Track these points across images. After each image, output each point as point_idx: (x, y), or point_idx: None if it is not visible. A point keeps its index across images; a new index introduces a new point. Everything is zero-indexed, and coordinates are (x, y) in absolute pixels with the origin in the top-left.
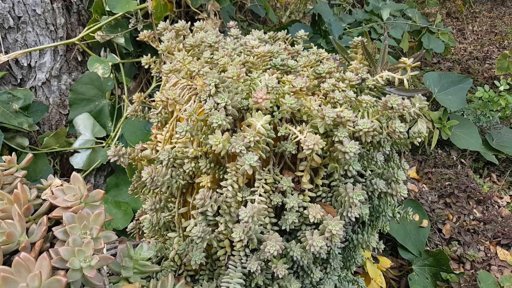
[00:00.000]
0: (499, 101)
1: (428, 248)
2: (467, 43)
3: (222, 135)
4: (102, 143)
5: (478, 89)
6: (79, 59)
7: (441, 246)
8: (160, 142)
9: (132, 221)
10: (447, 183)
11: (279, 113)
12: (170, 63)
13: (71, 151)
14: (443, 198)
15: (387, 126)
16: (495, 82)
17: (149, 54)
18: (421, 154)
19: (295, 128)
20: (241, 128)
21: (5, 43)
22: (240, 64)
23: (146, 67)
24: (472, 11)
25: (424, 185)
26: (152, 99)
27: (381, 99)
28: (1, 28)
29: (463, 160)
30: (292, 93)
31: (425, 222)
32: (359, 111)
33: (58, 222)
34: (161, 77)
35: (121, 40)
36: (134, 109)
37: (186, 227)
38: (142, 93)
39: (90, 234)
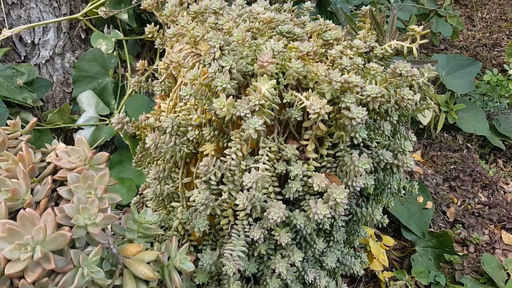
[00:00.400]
0: (507, 86)
1: (432, 230)
2: (476, 30)
3: (227, 99)
4: (105, 120)
5: (487, 72)
6: (83, 36)
7: (445, 229)
8: (164, 111)
9: (136, 196)
10: (452, 167)
11: (284, 79)
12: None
13: (75, 128)
14: (448, 182)
15: (395, 94)
16: (505, 65)
17: (152, 23)
18: (426, 138)
19: (301, 94)
20: (245, 95)
21: (9, 19)
22: (246, 30)
23: (149, 36)
24: None
25: (429, 169)
26: (155, 66)
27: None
28: (5, 4)
29: (469, 145)
30: (298, 58)
31: (430, 204)
32: (367, 79)
33: (62, 184)
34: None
35: (125, 16)
36: (138, 80)
37: (190, 197)
38: (145, 61)
39: (95, 194)
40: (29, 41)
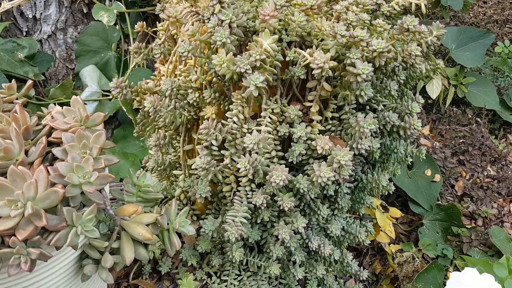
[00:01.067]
0: None
1: (440, 203)
2: (487, 7)
3: (226, 55)
4: (108, 95)
5: (498, 44)
6: (85, 11)
7: (453, 202)
8: (164, 75)
9: (139, 170)
10: (461, 141)
11: (287, 36)
12: None
13: None
14: (457, 155)
15: (402, 51)
16: None
17: None
18: (435, 113)
19: (305, 51)
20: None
21: None
22: None
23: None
24: None
25: (438, 142)
26: (154, 29)
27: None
28: None
29: (478, 119)
30: (302, 12)
31: (438, 177)
32: (373, 35)
33: (58, 145)
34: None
35: None
36: (137, 46)
37: (191, 165)
38: (143, 22)
39: (90, 154)
40: (30, 16)
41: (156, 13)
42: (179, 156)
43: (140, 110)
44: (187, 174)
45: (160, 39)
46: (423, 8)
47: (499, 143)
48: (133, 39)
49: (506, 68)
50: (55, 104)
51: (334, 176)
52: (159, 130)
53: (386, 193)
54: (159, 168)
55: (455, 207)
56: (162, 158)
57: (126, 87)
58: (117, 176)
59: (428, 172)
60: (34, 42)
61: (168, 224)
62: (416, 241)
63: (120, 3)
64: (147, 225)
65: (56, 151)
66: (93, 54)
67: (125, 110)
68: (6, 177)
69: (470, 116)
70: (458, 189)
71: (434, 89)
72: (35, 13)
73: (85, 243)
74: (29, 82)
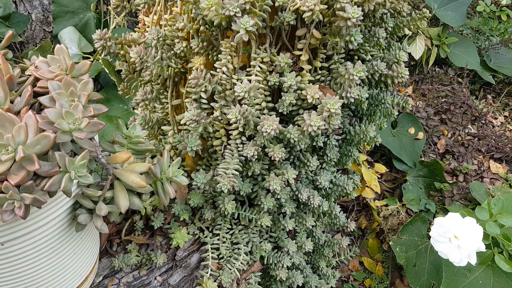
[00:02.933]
0: (501, 17)
1: (424, 160)
2: None
3: None
4: (89, 58)
5: (480, 3)
6: None
7: (436, 159)
8: (148, 27)
9: None
10: (443, 100)
11: None
12: None
13: None
14: (439, 114)
15: None
16: None
17: None
18: (418, 73)
19: None
20: None
21: None
22: None
23: None
24: None
25: (420, 102)
26: None
27: None
28: None
29: (459, 79)
30: None
31: (421, 135)
32: None
33: (44, 95)
34: None
35: None
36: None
37: (180, 120)
38: None
39: (79, 101)
40: None
41: None
42: (167, 112)
43: (125, 65)
44: (175, 130)
45: None
46: None
47: (480, 103)
48: None
49: (487, 28)
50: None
51: (324, 126)
52: (146, 85)
53: (373, 145)
54: (146, 126)
55: (437, 163)
56: (149, 115)
57: (109, 39)
58: (103, 139)
59: (412, 130)
60: (9, 2)
61: (161, 174)
62: (400, 197)
63: None
64: (140, 174)
65: (43, 99)
66: (71, 15)
67: (107, 71)
68: None
69: (452, 76)
70: (440, 147)
71: (417, 49)
72: None
73: (78, 193)
74: (9, 32)
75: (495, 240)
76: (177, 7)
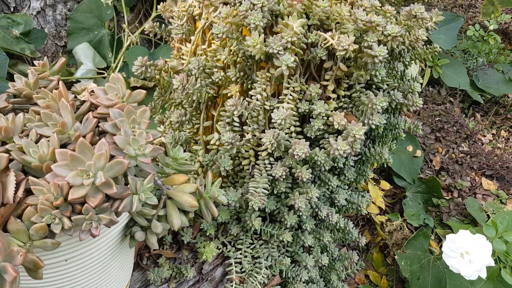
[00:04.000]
0: (488, 41)
1: (421, 176)
2: None
3: (259, 37)
4: (103, 73)
5: (469, 28)
6: None
7: (433, 176)
8: (184, 54)
9: None
10: (437, 119)
11: (308, 20)
12: None
13: (73, 80)
14: (434, 133)
15: (410, 35)
16: (485, 22)
17: None
18: None
19: (326, 34)
20: (272, 35)
21: None
22: None
23: None
24: None
25: (416, 120)
26: (164, 8)
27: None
28: None
29: (451, 99)
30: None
31: (419, 152)
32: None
33: (100, 120)
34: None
35: None
36: (152, 25)
37: (210, 140)
38: (165, 3)
39: (139, 128)
40: None
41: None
42: (194, 132)
43: (157, 88)
44: (203, 149)
45: (181, 20)
46: None
47: (469, 121)
48: (126, 16)
49: (475, 50)
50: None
51: (348, 150)
52: (177, 107)
53: (386, 165)
54: (176, 145)
55: (435, 180)
56: (178, 135)
57: (150, 66)
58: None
59: (410, 148)
60: (29, 18)
61: (205, 193)
62: (400, 212)
63: None
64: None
65: (106, 126)
66: (86, 31)
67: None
68: (65, 148)
69: (444, 96)
70: (436, 164)
71: (412, 70)
72: None
73: (133, 212)
74: (63, 60)
75: (497, 256)
76: (215, 39)
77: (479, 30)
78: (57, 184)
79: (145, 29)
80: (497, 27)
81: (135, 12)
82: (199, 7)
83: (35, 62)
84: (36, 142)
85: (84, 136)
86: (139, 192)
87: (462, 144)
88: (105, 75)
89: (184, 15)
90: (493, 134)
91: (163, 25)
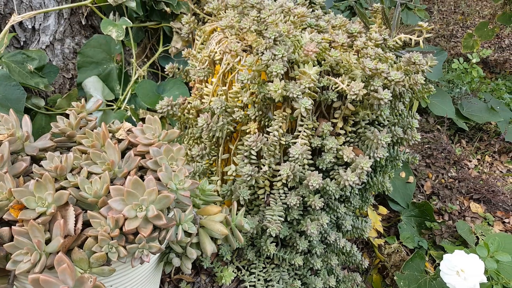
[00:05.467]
0: (471, 73)
1: (415, 201)
2: (434, 22)
3: (280, 83)
4: (111, 105)
5: (454, 61)
6: (83, 23)
7: (426, 200)
8: (206, 94)
9: None
10: (426, 146)
11: (320, 66)
12: (208, 20)
13: None
14: (424, 159)
15: (410, 79)
16: (468, 55)
17: (189, 14)
18: None
19: (336, 79)
20: (286, 80)
21: (9, 4)
22: (283, 23)
23: (185, 25)
24: None
25: (407, 148)
26: (189, 54)
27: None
28: None
29: (439, 127)
30: (332, 48)
31: (411, 178)
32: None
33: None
34: (169, 38)
35: (133, 4)
36: (172, 66)
37: (227, 171)
38: (191, 49)
39: (176, 164)
40: (29, 26)
41: (181, 35)
42: (210, 163)
43: (177, 123)
44: (221, 180)
45: (203, 64)
46: (421, 44)
47: (456, 147)
48: (134, 50)
49: (460, 81)
50: (60, 115)
51: (357, 180)
52: (198, 141)
53: (383, 191)
54: (194, 176)
55: (427, 204)
56: (195, 165)
57: (174, 106)
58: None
59: (403, 174)
60: (44, 54)
61: (231, 221)
62: (395, 234)
63: (126, 19)
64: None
65: (148, 163)
66: (95, 65)
67: (134, 119)
68: (112, 183)
69: (432, 124)
70: (427, 189)
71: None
72: (34, 24)
73: (169, 239)
74: (99, 101)
75: (489, 274)
76: (240, 84)
77: (462, 63)
78: (113, 217)
79: (165, 69)
80: (479, 60)
81: (142, 46)
82: (220, 53)
83: (73, 104)
84: (87, 178)
85: (128, 172)
86: (182, 223)
87: (451, 170)
88: (114, 107)
89: (206, 59)
90: (478, 159)
91: (181, 65)
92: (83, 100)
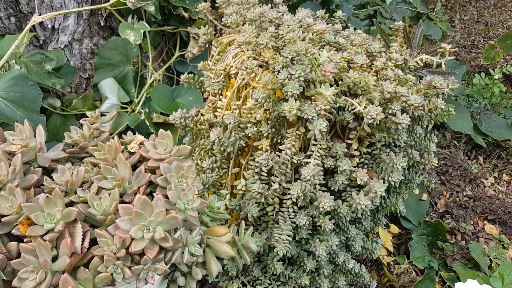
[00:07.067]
0: (493, 88)
1: (427, 219)
2: (455, 31)
3: (295, 103)
4: (126, 108)
5: (476, 76)
6: (102, 24)
7: (438, 219)
8: (219, 108)
9: None
10: (442, 162)
11: (337, 86)
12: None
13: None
14: (439, 176)
15: (429, 103)
16: (490, 70)
17: (207, 26)
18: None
19: (353, 100)
20: (302, 99)
21: (31, 3)
22: (301, 40)
23: (202, 36)
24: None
25: (429, 175)
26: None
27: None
28: None
29: (455, 142)
30: (349, 68)
31: (425, 196)
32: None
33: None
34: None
35: (151, 8)
36: (187, 76)
37: (236, 185)
38: (206, 62)
39: (186, 182)
40: (49, 26)
41: (199, 44)
42: (220, 176)
43: (188, 133)
44: (231, 194)
45: (218, 77)
46: (443, 66)
47: (472, 164)
48: (151, 54)
49: (479, 96)
50: (76, 115)
51: (370, 204)
52: (206, 153)
53: (399, 214)
54: (204, 188)
55: (440, 223)
56: (205, 177)
57: (187, 118)
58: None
59: (416, 191)
60: (62, 55)
61: (238, 241)
62: (405, 253)
63: (144, 23)
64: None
65: (159, 179)
66: (112, 67)
67: (148, 124)
68: (121, 199)
69: (449, 139)
70: (440, 207)
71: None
72: (54, 24)
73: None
74: (114, 112)
75: None
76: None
77: (484, 78)
78: (120, 236)
79: (180, 80)
80: (501, 76)
81: (158, 50)
82: (236, 68)
83: (87, 113)
84: (96, 193)
85: (138, 188)
86: (188, 245)
87: (466, 188)
88: (128, 109)
89: (222, 73)
90: (494, 177)
91: (196, 76)
92: (97, 110)
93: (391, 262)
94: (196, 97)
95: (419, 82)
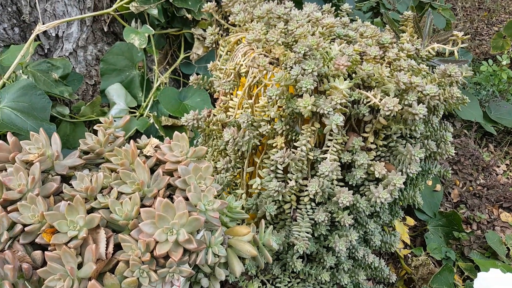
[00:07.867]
0: (501, 75)
1: (442, 210)
2: (458, 19)
3: (310, 98)
4: (134, 112)
5: (483, 63)
6: (105, 30)
7: (453, 209)
8: (231, 107)
9: None
10: (453, 152)
11: (351, 80)
12: (232, 31)
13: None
14: (451, 165)
15: (444, 92)
16: (497, 57)
17: (213, 26)
18: None
19: (368, 92)
20: (315, 94)
21: (34, 12)
22: (311, 35)
23: (209, 36)
24: None
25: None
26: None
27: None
28: None
29: (465, 131)
30: (362, 61)
31: (438, 187)
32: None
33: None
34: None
35: (154, 11)
36: (197, 78)
37: (252, 184)
38: (215, 62)
39: (204, 183)
40: (53, 34)
41: (205, 45)
42: (234, 176)
43: (201, 135)
44: (246, 193)
45: (228, 77)
46: (456, 54)
47: (482, 152)
48: (156, 57)
49: (487, 83)
50: (84, 122)
51: (389, 197)
52: (220, 153)
53: (417, 206)
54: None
55: (455, 213)
56: (219, 177)
57: (200, 119)
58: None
59: (430, 182)
60: (68, 62)
61: (259, 240)
62: (421, 245)
63: (148, 26)
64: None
65: (177, 182)
66: (118, 72)
67: (157, 127)
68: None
69: (459, 128)
70: (454, 197)
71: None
72: (58, 32)
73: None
74: (127, 117)
75: None
76: (263, 97)
77: (492, 65)
78: (144, 240)
79: (188, 81)
80: (509, 61)
81: (163, 53)
82: (246, 66)
83: (101, 119)
84: (116, 198)
85: (158, 191)
86: (212, 245)
87: (479, 177)
88: (136, 113)
89: (232, 72)
90: (506, 164)
91: (205, 77)
92: (110, 116)
93: (408, 255)
94: (204, 98)
95: (432, 72)
